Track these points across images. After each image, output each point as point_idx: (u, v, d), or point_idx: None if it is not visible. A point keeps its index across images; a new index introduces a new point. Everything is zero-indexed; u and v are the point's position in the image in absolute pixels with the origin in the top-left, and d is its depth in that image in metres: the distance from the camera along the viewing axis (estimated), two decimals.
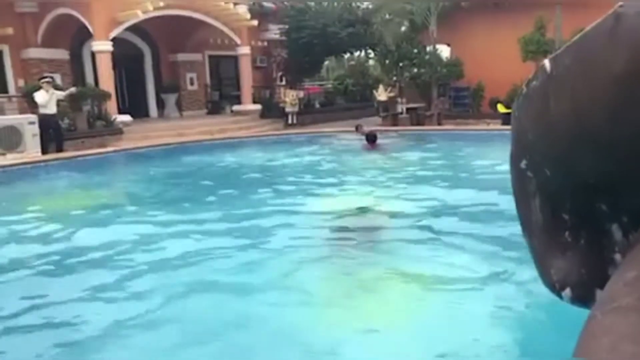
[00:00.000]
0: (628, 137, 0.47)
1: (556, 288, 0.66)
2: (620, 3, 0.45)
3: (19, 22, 14.55)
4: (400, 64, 16.54)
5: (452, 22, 15.45)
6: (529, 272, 2.83)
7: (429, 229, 4.95)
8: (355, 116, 18.43)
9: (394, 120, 15.89)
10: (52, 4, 14.31)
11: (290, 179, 8.12)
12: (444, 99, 15.93)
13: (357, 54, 21.85)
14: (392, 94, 16.57)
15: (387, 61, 17.14)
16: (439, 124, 14.65)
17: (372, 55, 20.62)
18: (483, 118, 14.60)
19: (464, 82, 15.88)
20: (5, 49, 14.57)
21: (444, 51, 17.15)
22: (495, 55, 14.35)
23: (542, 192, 0.65)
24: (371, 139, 10.95)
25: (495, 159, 7.49)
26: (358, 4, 19.23)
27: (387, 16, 16.20)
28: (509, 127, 0.67)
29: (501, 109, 13.45)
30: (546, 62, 0.56)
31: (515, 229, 0.75)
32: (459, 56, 16.00)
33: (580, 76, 0.50)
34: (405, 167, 8.52)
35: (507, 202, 0.88)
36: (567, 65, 0.52)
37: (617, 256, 0.59)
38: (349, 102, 21.44)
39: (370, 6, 18.84)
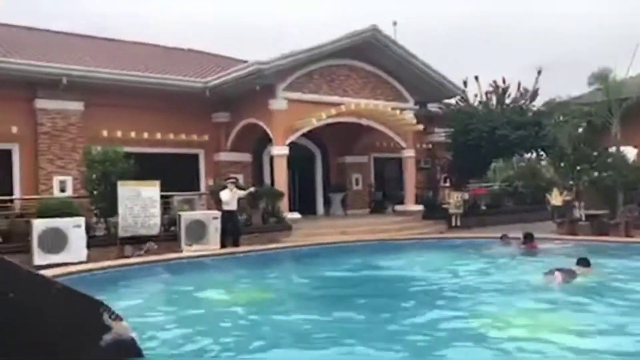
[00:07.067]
0: None
1: None
2: None
3: (214, 130, 16.86)
4: (578, 167, 15.37)
5: (638, 122, 14.12)
6: None
7: None
8: (524, 219, 17.34)
9: (571, 227, 14.53)
10: (242, 115, 16.37)
11: (449, 289, 7.71)
12: (632, 207, 14.19)
13: (527, 155, 20.93)
14: (568, 198, 15.37)
15: (562, 164, 16.09)
16: (628, 235, 12.98)
17: (544, 157, 19.57)
18: None
19: None
20: (201, 153, 16.88)
21: (630, 153, 15.60)
22: None
23: None
24: (528, 239, 10.45)
25: None
26: (531, 105, 18.70)
27: (562, 118, 15.43)
28: None
29: None
30: None
31: None
32: None
33: None
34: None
35: None
36: None
37: None
38: (518, 205, 20.33)
39: (542, 108, 18.21)
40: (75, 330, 3.24)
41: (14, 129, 13.31)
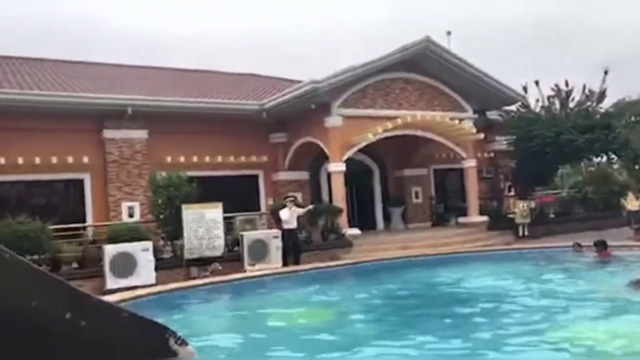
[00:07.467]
0: None
1: None
2: None
3: (272, 151, 17.12)
4: None
5: None
6: None
7: None
8: (597, 227, 16.43)
9: None
10: (298, 134, 16.56)
11: (522, 303, 7.36)
12: None
13: (596, 159, 19.88)
14: None
15: (636, 166, 15.20)
16: None
17: (615, 160, 18.52)
18: None
19: None
20: (261, 174, 17.16)
21: None
22: None
23: None
24: (601, 246, 9.92)
25: None
26: (598, 107, 17.78)
27: (633, 118, 14.61)
28: None
29: None
30: None
31: None
32: None
33: None
34: None
35: None
36: None
37: None
38: (589, 211, 19.30)
39: (610, 109, 17.28)
40: (143, 356, 3.31)
41: (85, 159, 14.06)
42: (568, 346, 5.03)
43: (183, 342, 3.37)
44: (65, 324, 2.75)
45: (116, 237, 11.44)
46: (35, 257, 10.37)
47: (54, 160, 13.61)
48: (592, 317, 6.17)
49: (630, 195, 14.96)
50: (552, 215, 18.74)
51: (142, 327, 3.28)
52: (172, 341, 3.29)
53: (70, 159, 13.81)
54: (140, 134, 14.80)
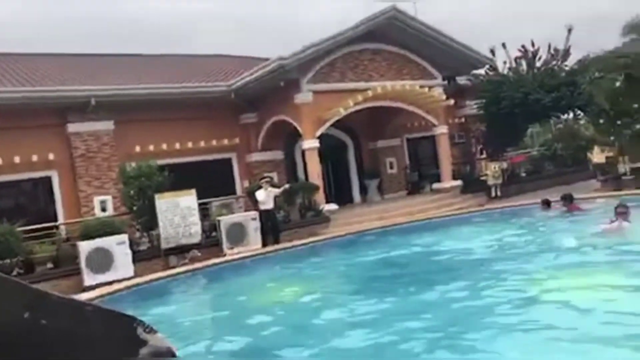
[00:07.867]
0: None
1: None
2: None
3: (244, 132, 16.92)
4: (618, 122, 14.72)
5: None
6: None
7: None
8: (566, 181, 16.87)
9: (617, 183, 14.00)
10: (269, 113, 16.39)
11: (491, 261, 7.55)
12: None
13: (564, 117, 20.22)
14: (610, 154, 14.84)
15: (601, 120, 15.47)
16: None
17: (581, 116, 18.86)
18: None
19: None
20: (234, 156, 16.98)
21: None
22: None
23: None
24: (567, 200, 10.21)
25: None
26: (563, 65, 17.99)
27: (597, 74, 14.79)
28: None
29: None
30: None
31: None
32: None
33: None
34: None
35: None
36: None
37: None
38: (559, 167, 19.75)
39: (575, 67, 17.50)
40: (113, 348, 3.26)
41: (51, 156, 13.68)
42: (540, 295, 5.21)
43: (151, 330, 3.33)
44: (25, 325, 2.66)
45: (90, 233, 11.23)
46: (7, 261, 10.13)
47: (17, 159, 13.18)
48: (560, 265, 6.44)
49: (596, 149, 15.32)
50: (523, 174, 19.10)
51: (108, 319, 3.22)
52: (140, 330, 3.24)
53: (35, 157, 13.41)
54: (106, 126, 14.46)
